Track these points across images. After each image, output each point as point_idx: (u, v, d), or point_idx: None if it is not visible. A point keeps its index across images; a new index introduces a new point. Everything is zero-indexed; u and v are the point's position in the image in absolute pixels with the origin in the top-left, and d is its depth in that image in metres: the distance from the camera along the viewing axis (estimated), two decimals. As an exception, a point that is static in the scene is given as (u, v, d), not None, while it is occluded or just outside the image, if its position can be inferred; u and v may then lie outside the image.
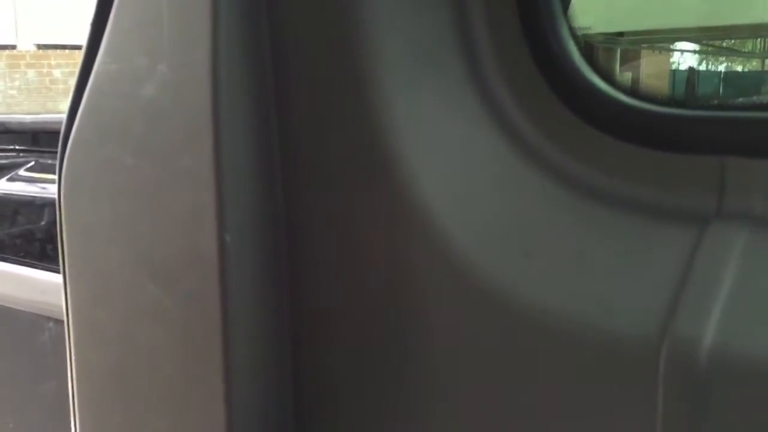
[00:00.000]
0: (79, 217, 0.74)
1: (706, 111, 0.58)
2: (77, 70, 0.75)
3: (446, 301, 0.60)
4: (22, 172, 1.63)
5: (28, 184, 1.59)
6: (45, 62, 12.77)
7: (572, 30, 0.61)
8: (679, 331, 0.49)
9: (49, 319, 1.32)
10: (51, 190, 1.45)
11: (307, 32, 0.64)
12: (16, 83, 12.64)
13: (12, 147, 1.77)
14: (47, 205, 1.44)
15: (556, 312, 0.55)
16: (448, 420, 0.62)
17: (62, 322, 0.80)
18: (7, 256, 1.45)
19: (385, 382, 0.65)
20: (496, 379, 0.58)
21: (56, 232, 0.77)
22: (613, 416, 0.53)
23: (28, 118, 1.82)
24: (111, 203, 0.71)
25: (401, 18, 0.62)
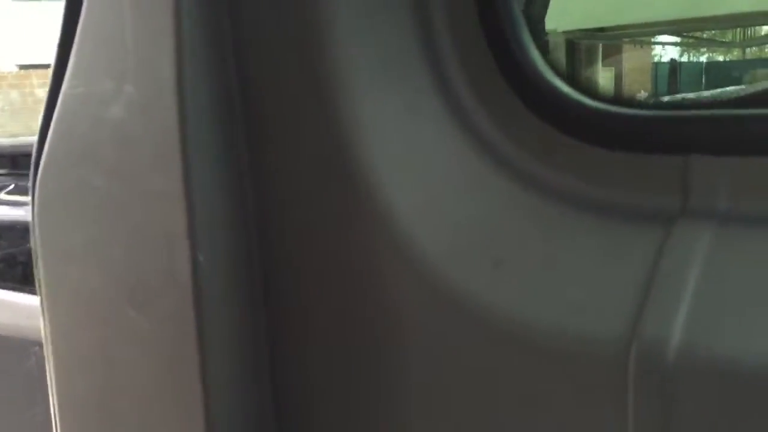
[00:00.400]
0: (54, 240, 0.74)
1: (668, 110, 0.58)
2: (46, 93, 0.75)
3: (415, 305, 0.60)
4: (2, 195, 1.63)
5: (8, 207, 1.58)
6: (27, 82, 12.73)
7: (535, 34, 0.62)
8: (647, 331, 0.50)
9: (34, 343, 1.31)
10: (32, 213, 1.43)
11: (271, 45, 0.64)
12: (0, 104, 12.59)
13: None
14: (28, 228, 1.43)
15: (526, 316, 0.55)
16: (424, 419, 0.62)
17: (45, 346, 0.79)
18: (-10, 282, 1.45)
19: (358, 382, 0.65)
20: (469, 382, 0.58)
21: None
22: (585, 417, 0.54)
23: (7, 141, 1.82)
24: (84, 226, 0.71)
25: (363, 23, 0.63)
